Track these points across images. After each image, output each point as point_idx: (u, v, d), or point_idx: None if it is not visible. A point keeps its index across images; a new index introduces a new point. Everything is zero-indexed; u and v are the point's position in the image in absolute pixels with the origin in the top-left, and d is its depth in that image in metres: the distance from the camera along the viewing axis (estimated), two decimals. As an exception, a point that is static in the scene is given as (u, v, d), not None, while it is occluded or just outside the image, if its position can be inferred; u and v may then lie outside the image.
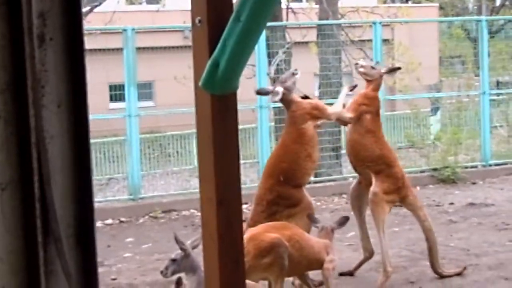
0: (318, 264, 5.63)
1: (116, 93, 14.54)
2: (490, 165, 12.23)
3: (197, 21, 2.86)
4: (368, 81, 6.71)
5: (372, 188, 6.51)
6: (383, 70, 6.86)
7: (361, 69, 6.74)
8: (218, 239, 2.99)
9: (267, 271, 5.37)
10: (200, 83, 2.82)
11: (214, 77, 2.73)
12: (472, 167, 12.20)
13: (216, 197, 2.99)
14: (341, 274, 6.25)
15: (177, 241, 4.45)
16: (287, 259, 5.38)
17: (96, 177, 16.52)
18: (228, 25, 2.70)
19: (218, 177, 2.97)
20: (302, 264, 5.60)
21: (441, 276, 6.58)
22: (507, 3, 32.58)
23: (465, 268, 6.74)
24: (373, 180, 6.54)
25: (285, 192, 6.17)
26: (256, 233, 5.46)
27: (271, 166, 6.35)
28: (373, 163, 6.56)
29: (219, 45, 2.64)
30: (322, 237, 5.77)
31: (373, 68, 6.80)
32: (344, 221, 5.88)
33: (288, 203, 6.15)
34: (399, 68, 7.40)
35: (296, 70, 6.48)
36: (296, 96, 6.42)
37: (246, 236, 5.50)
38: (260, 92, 7.37)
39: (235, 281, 3.07)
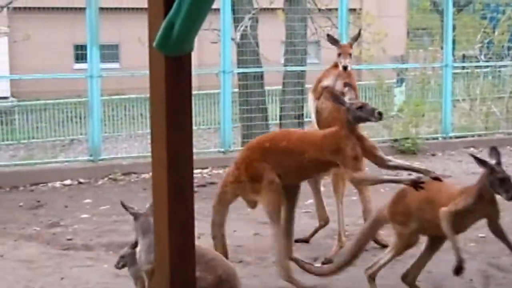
0: None
1: (81, 53, 14.37)
2: (451, 138, 12.35)
3: (152, -19, 2.82)
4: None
5: None
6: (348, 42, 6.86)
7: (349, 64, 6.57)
8: (168, 201, 2.98)
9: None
10: (154, 44, 2.80)
11: (168, 38, 2.71)
12: (433, 138, 12.30)
13: (167, 159, 2.96)
14: (296, 241, 6.25)
15: (124, 207, 4.46)
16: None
17: (59, 138, 16.41)
18: (183, -14, 2.66)
19: (170, 138, 2.94)
20: None
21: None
22: (476, -23, 32.70)
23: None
24: None
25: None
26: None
27: None
28: None
29: (174, 6, 2.62)
30: None
31: (348, 56, 6.59)
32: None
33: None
34: (359, 34, 7.29)
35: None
36: None
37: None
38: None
39: (184, 242, 3.07)
